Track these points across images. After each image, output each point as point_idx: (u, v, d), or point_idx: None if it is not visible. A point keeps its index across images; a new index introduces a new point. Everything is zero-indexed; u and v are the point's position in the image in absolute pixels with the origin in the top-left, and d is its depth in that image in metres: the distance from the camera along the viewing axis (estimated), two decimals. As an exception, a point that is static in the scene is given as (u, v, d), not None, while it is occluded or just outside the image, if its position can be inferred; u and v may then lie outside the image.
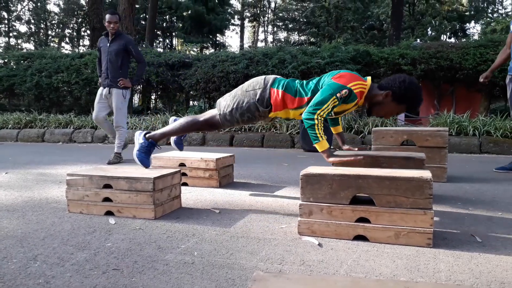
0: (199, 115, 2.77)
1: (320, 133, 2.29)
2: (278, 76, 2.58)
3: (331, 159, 2.30)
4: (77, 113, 9.51)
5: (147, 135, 2.81)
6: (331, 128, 2.85)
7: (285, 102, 2.46)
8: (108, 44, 4.74)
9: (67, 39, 27.96)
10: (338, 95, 2.27)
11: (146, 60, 8.87)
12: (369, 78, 2.45)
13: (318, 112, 2.27)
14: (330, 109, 2.29)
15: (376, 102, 2.41)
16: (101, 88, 4.84)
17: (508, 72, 3.96)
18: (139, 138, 2.83)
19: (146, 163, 2.74)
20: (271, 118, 2.60)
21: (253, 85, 2.54)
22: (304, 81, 2.53)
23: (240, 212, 2.48)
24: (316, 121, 2.27)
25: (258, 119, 2.58)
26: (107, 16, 4.66)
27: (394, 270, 1.58)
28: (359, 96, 2.35)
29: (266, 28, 32.73)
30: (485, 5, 26.76)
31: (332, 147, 6.15)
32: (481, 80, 4.22)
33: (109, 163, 4.65)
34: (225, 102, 2.60)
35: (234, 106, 2.54)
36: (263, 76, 2.58)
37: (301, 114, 2.46)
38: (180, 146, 3.14)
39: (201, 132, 2.86)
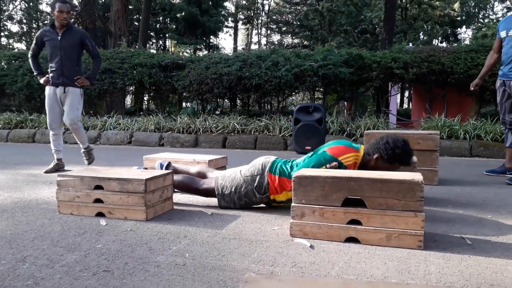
0: (199, 179, 2.75)
1: None
2: (274, 158, 2.58)
3: None
4: (68, 113, 9.43)
5: None
6: None
7: (282, 186, 2.47)
8: (59, 38, 4.05)
9: (59, 39, 27.76)
10: (328, 165, 2.33)
11: (138, 61, 8.87)
12: (362, 146, 2.50)
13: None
14: None
15: (371, 167, 2.45)
16: (51, 88, 4.11)
17: (498, 77, 4.00)
18: None
19: None
20: (271, 202, 2.56)
21: (251, 170, 2.55)
22: (297, 160, 2.54)
23: (232, 214, 2.47)
24: None
25: (255, 204, 2.58)
26: (58, 5, 3.99)
27: (385, 272, 1.58)
28: (352, 167, 2.39)
29: (259, 31, 32.78)
30: (476, 10, 27.05)
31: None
32: (472, 88, 4.27)
33: (90, 163, 4.41)
34: (223, 182, 2.59)
35: (233, 189, 2.55)
36: (261, 160, 2.57)
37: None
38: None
39: (196, 195, 2.83)
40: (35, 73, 4.25)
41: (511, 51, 3.79)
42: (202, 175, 2.93)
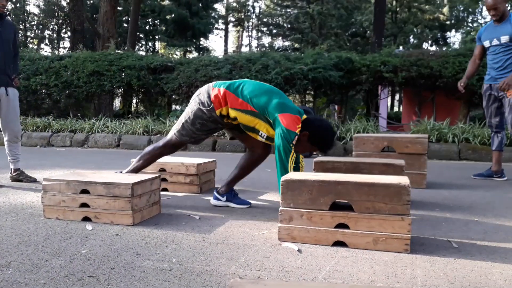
0: (156, 143, 2.85)
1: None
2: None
3: None
4: (55, 116, 9.33)
5: None
6: None
7: (226, 100, 2.51)
8: (0, 29, 3.43)
9: (46, 41, 27.45)
10: (293, 143, 2.39)
11: (127, 63, 8.81)
12: (304, 116, 2.52)
13: (292, 152, 2.39)
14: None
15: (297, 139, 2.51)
16: None
17: (484, 81, 4.05)
18: None
19: None
20: (225, 120, 2.58)
21: (196, 95, 2.66)
22: (241, 85, 2.56)
23: (220, 218, 2.46)
24: (291, 153, 2.37)
25: (211, 123, 2.61)
26: None
27: (371, 276, 1.58)
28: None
29: (250, 33, 32.85)
30: (465, 14, 27.42)
31: (314, 153, 6.18)
32: (460, 85, 4.18)
33: (33, 180, 3.71)
34: (176, 123, 2.73)
35: (184, 119, 2.66)
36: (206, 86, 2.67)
37: (241, 120, 2.52)
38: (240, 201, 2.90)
39: (165, 155, 2.81)
40: None
41: (497, 58, 3.84)
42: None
